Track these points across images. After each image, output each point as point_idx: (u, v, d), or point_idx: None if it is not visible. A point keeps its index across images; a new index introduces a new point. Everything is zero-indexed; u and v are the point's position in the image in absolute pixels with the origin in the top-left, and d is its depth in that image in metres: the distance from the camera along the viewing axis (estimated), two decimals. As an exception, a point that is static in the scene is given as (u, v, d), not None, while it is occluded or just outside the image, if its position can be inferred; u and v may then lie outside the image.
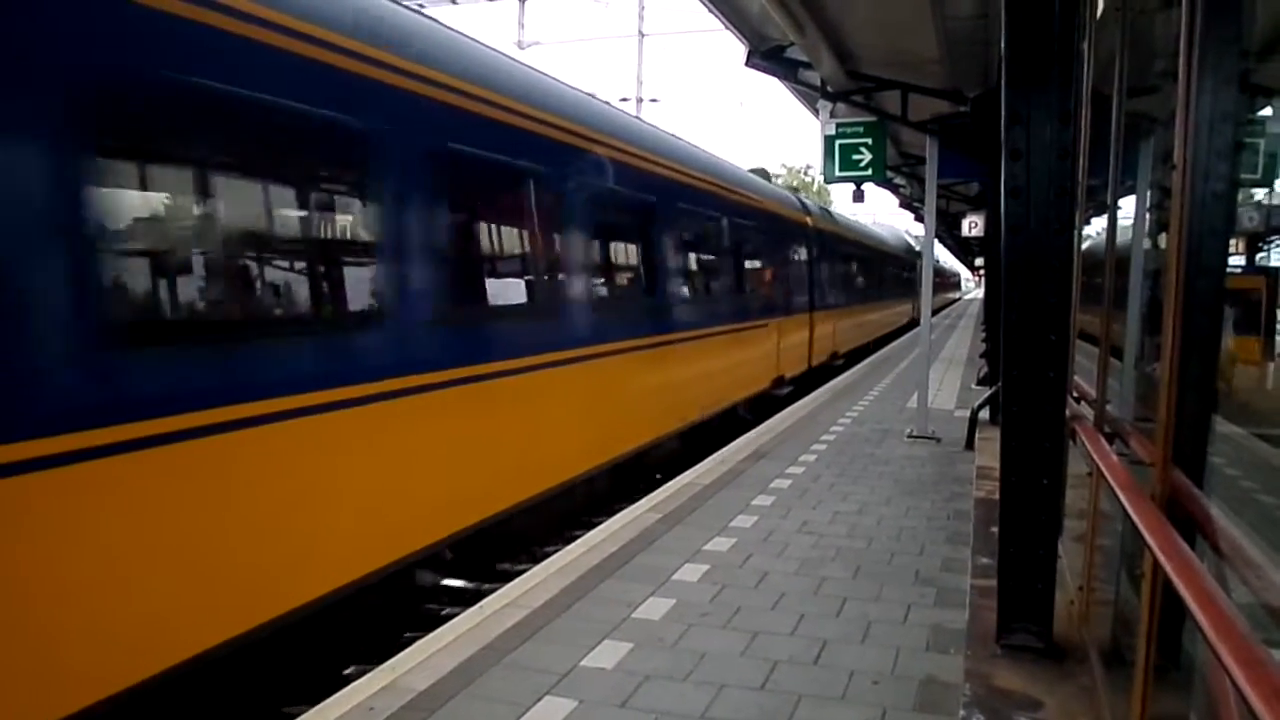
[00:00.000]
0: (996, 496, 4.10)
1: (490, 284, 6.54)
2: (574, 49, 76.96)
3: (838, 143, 11.54)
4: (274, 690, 4.67)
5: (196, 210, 4.13)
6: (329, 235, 5.08)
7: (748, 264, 13.46)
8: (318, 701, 3.95)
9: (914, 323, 35.80)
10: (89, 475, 3.38)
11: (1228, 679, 1.47)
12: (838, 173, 11.66)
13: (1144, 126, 5.37)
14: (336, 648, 5.03)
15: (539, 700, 3.90)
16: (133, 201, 3.90)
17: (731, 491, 7.77)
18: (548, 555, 6.19)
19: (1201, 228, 2.90)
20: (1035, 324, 3.81)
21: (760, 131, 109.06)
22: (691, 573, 5.61)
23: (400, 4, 5.71)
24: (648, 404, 9.28)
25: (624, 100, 25.45)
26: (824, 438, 10.48)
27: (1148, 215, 6.37)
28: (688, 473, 8.60)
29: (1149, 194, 6.05)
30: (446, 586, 6.52)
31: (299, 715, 3.92)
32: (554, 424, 7.10)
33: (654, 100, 45.79)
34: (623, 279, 9.34)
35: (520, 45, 22.65)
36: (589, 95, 8.70)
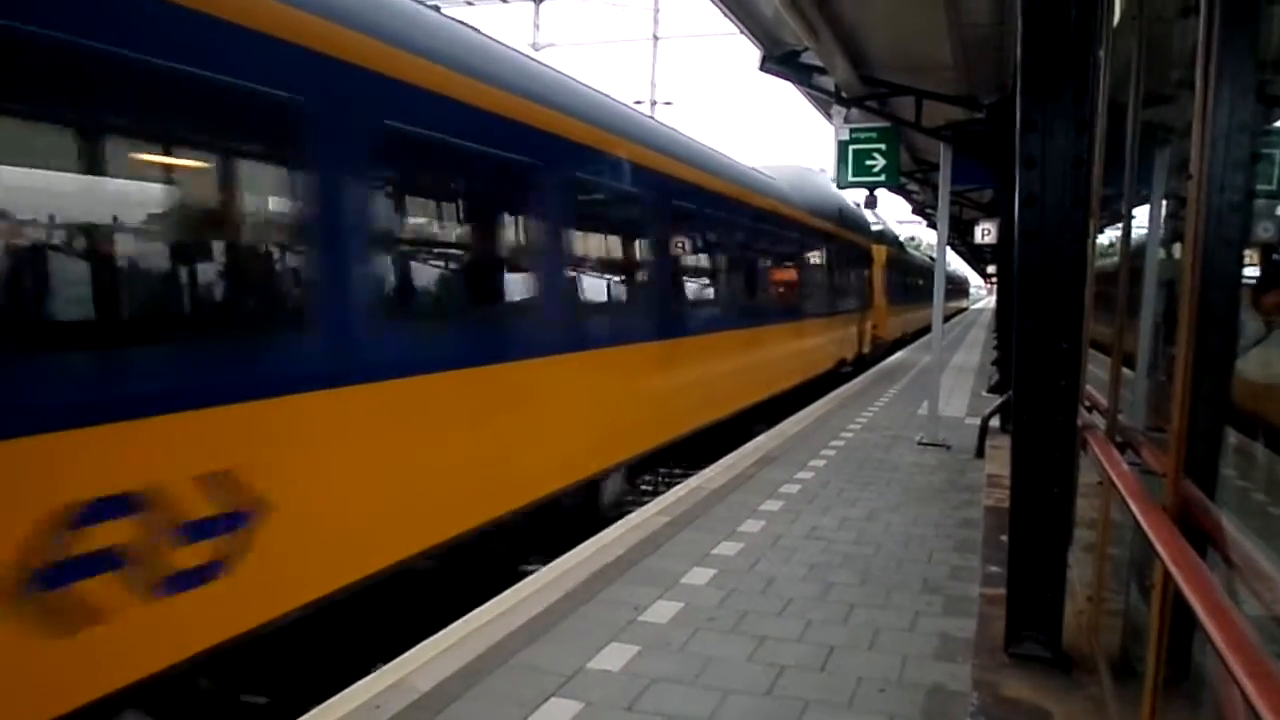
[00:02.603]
0: (1006, 505, 4.10)
1: None
2: (589, 51, 77.08)
3: (851, 148, 11.56)
4: (280, 688, 4.68)
5: None
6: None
7: None
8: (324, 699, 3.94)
9: (870, 360, 21.10)
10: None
11: (1238, 692, 1.46)
12: (851, 178, 11.69)
13: (1159, 136, 5.35)
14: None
15: (545, 702, 3.91)
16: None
17: (740, 496, 7.76)
18: (556, 557, 6.19)
19: (1217, 239, 2.89)
20: (1048, 332, 3.80)
21: (774, 135, 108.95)
22: (699, 577, 5.61)
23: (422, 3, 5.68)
24: None
25: (638, 102, 25.47)
26: (833, 443, 10.46)
27: (1162, 225, 6.34)
28: (696, 476, 8.60)
29: (1164, 204, 6.02)
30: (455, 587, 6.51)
31: (306, 713, 3.92)
32: None
33: (668, 103, 45.89)
34: None
35: (535, 47, 22.72)
36: None
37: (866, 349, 21.27)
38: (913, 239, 44.70)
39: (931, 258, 43.50)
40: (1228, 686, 1.95)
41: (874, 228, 23.89)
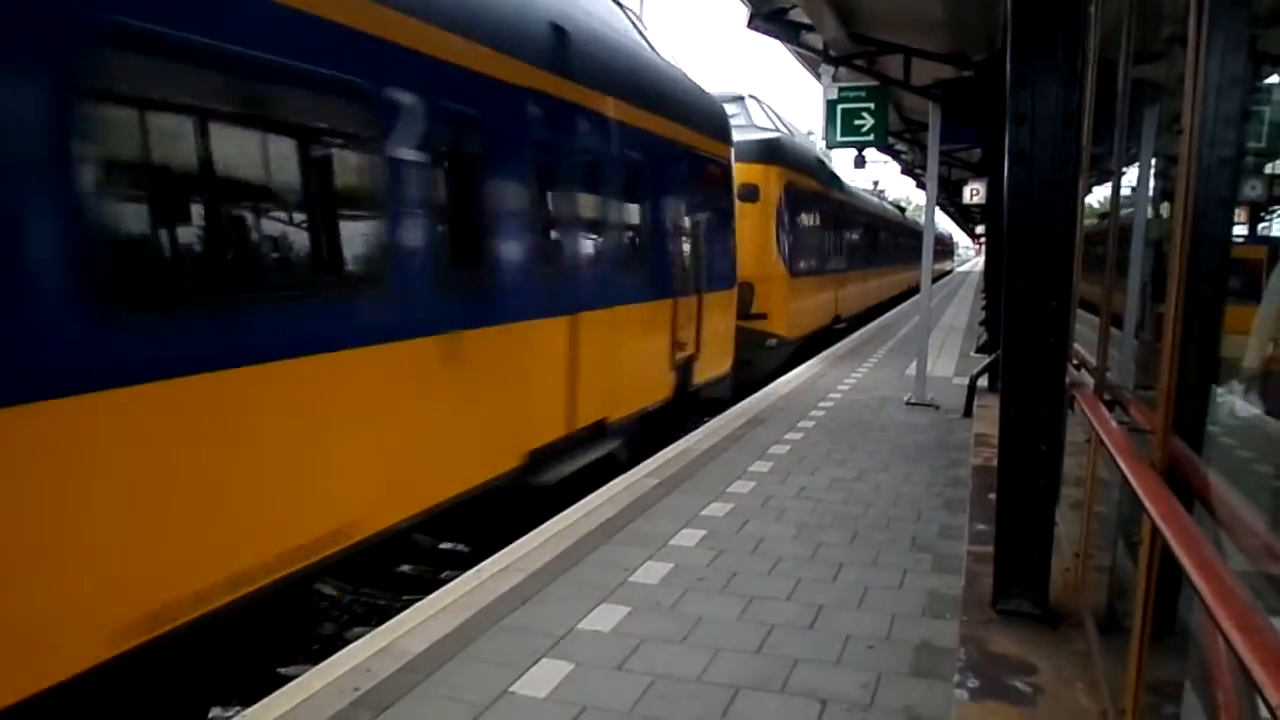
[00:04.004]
0: (994, 463, 4.10)
1: None
2: (574, 11, 75.90)
3: (839, 107, 11.47)
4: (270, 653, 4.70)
5: None
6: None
7: None
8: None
9: (714, 402, 10.49)
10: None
11: (1225, 645, 1.46)
12: (839, 138, 11.60)
13: (1150, 93, 5.30)
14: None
15: (536, 663, 3.93)
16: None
17: (729, 457, 7.78)
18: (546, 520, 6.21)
19: (1207, 195, 2.87)
20: (1037, 290, 3.78)
21: (762, 95, 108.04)
22: (689, 538, 5.63)
23: None
24: None
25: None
26: (822, 404, 10.48)
27: (1151, 183, 6.32)
28: (685, 438, 8.61)
29: (1153, 162, 6.00)
30: (444, 550, 6.55)
31: (297, 675, 3.94)
32: None
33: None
34: None
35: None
36: None
37: (704, 376, 10.25)
38: (876, 184, 40.59)
39: (900, 206, 41.52)
40: (1215, 640, 1.96)
41: (761, 135, 13.88)
